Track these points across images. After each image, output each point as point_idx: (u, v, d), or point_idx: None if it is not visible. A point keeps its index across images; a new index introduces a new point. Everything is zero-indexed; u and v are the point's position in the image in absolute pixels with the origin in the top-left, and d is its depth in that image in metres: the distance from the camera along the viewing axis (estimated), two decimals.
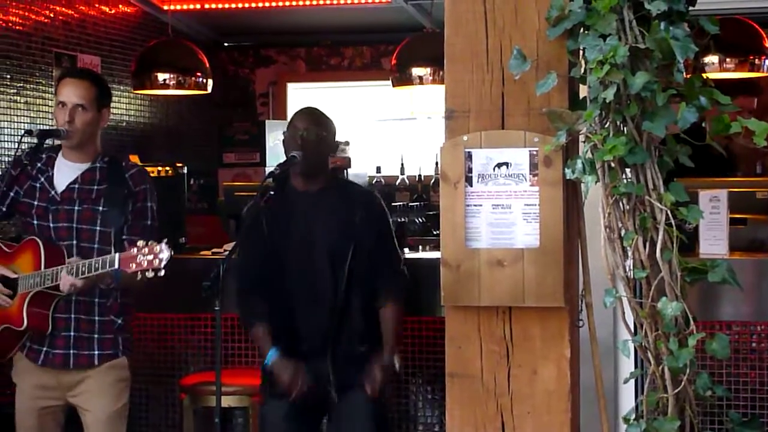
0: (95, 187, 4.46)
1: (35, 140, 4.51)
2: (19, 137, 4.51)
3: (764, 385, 5.12)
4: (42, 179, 4.47)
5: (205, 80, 7.63)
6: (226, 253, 4.40)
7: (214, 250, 6.05)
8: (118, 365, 4.53)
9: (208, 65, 7.70)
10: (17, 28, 6.86)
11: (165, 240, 4.14)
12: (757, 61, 6.63)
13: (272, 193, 4.55)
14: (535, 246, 3.20)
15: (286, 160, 4.56)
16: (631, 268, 3.08)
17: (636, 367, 3.69)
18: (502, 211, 3.23)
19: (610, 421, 3.34)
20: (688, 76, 3.15)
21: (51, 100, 7.04)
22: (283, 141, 4.63)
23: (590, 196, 3.20)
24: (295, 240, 4.56)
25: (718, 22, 3.16)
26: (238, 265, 4.61)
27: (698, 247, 5.43)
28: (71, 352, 4.44)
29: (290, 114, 9.75)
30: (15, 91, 6.75)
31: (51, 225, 4.42)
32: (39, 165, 4.50)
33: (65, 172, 4.48)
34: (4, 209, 4.52)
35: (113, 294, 4.46)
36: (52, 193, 4.44)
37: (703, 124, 3.11)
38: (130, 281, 4.27)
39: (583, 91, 3.19)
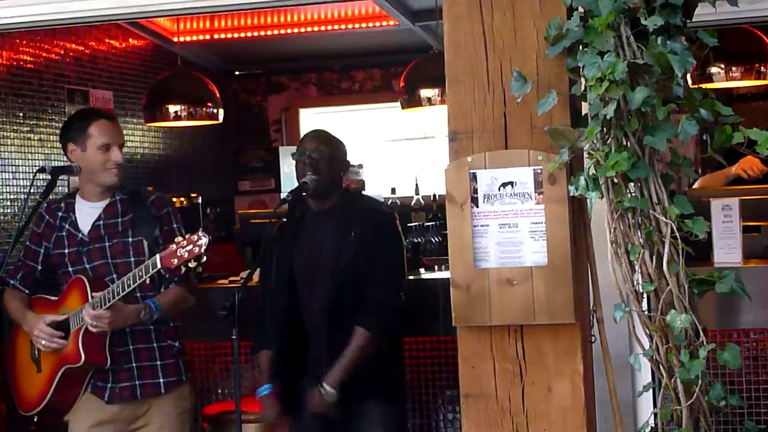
0: (120, 219, 4.51)
1: (49, 177, 4.55)
2: (33, 174, 4.53)
3: None
4: (66, 226, 4.52)
5: (216, 110, 7.68)
6: (243, 281, 4.43)
7: (231, 278, 6.09)
8: (183, 393, 4.61)
9: (218, 95, 7.75)
10: (28, 65, 6.92)
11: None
12: (763, 68, 6.64)
13: (284, 219, 4.60)
14: (543, 263, 3.22)
15: (297, 186, 4.59)
16: (639, 282, 3.09)
17: (651, 380, 3.69)
18: (510, 230, 3.25)
19: None
20: (694, 86, 3.17)
21: None
22: (295, 164, 4.66)
23: (597, 212, 3.22)
24: (304, 260, 4.58)
25: (717, 33, 3.18)
26: (258, 291, 4.70)
27: (713, 256, 5.43)
28: (137, 383, 4.48)
29: None
30: (28, 128, 6.81)
31: (87, 266, 4.46)
32: (60, 214, 4.55)
33: (87, 212, 4.53)
34: (39, 267, 4.59)
35: (163, 321, 4.51)
36: (80, 236, 4.49)
37: None
38: (169, 310, 4.44)
39: (584, 108, 3.21)
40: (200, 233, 4.22)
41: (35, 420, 4.56)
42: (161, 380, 4.52)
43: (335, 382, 4.39)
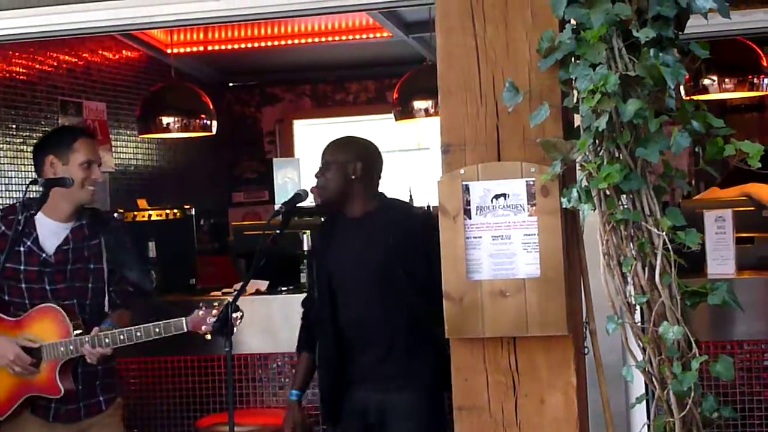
0: (86, 243, 4.47)
1: (41, 189, 4.54)
2: (26, 186, 4.50)
3: None
4: (28, 242, 4.42)
5: (209, 122, 7.69)
6: (236, 292, 4.43)
7: (225, 290, 6.08)
8: (118, 405, 4.61)
9: (212, 107, 7.75)
10: (21, 77, 6.92)
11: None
12: (755, 80, 6.66)
13: (278, 234, 4.57)
14: (536, 275, 3.22)
15: (291, 197, 4.58)
16: (632, 293, 3.09)
17: (645, 391, 3.69)
18: (502, 241, 3.25)
19: None
20: (686, 98, 3.17)
21: None
22: None
23: (590, 224, 3.22)
24: (339, 266, 4.52)
25: (710, 45, 3.18)
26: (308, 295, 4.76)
27: (706, 267, 5.44)
28: (81, 404, 4.45)
29: (297, 151, 9.86)
30: (21, 140, 6.81)
31: (48, 287, 4.40)
32: (19, 228, 4.36)
33: (52, 232, 4.46)
34: None
35: None
36: (44, 256, 4.42)
37: None
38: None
39: (577, 120, 3.21)
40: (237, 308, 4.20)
41: None
42: (101, 398, 4.50)
43: None
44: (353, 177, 4.49)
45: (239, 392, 5.84)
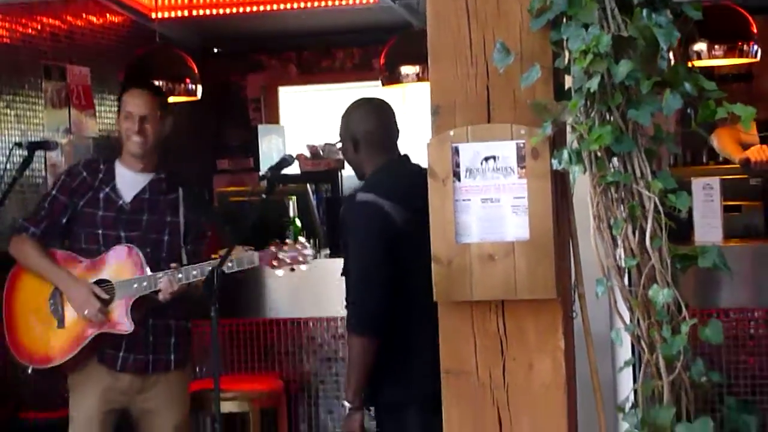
0: (163, 197, 4.55)
1: (26, 152, 4.51)
2: (9, 149, 4.48)
3: (763, 371, 5.13)
4: (106, 189, 4.50)
5: (194, 86, 7.63)
6: (221, 258, 4.41)
7: (212, 255, 6.05)
8: (187, 371, 4.70)
9: (196, 71, 7.69)
10: (5, 41, 6.84)
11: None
12: (745, 47, 6.63)
13: (264, 199, 4.49)
14: (525, 239, 3.19)
15: (277, 162, 4.53)
16: (622, 256, 3.07)
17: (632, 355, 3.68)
18: (492, 204, 3.22)
19: (608, 413, 3.32)
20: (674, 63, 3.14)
21: (41, 112, 7.04)
22: None
23: (580, 188, 3.19)
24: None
25: (702, 8, 3.15)
26: None
27: (693, 235, 5.44)
28: (150, 357, 4.50)
29: (282, 118, 9.81)
30: (4, 104, 6.73)
31: (122, 234, 4.47)
32: (100, 175, 4.53)
33: (129, 181, 4.54)
34: (63, 221, 4.52)
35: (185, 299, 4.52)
36: (120, 202, 4.50)
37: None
38: (195, 289, 4.40)
39: (568, 82, 3.18)
40: (304, 242, 4.42)
41: (29, 372, 4.51)
42: (172, 357, 4.55)
43: (346, 396, 4.06)
44: (345, 150, 4.28)
45: (225, 358, 5.84)
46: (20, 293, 4.54)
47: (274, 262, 4.36)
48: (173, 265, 4.39)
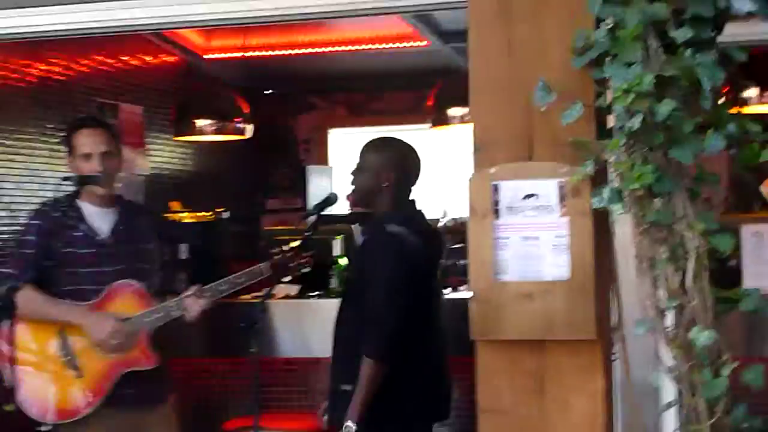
0: (136, 225, 4.55)
1: (73, 187, 4.54)
2: (58, 183, 4.51)
3: None
4: (81, 227, 4.45)
5: (243, 125, 7.69)
6: (262, 297, 4.45)
7: (255, 294, 6.07)
8: (174, 399, 4.64)
9: (246, 110, 7.75)
10: (60, 78, 6.94)
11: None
12: None
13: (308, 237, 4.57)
14: (565, 278, 3.16)
15: (322, 200, 4.54)
16: (663, 297, 3.03)
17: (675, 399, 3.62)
18: (531, 242, 3.20)
19: None
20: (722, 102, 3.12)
21: None
22: None
23: (621, 227, 3.16)
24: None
25: (749, 51, 3.13)
26: None
27: (742, 283, 5.37)
28: (145, 387, 4.45)
29: (331, 159, 9.85)
30: (57, 140, 6.82)
31: (107, 269, 4.43)
32: (71, 213, 4.45)
33: (100, 216, 4.51)
34: (45, 264, 4.39)
35: None
36: (99, 238, 4.46)
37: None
38: None
39: (609, 121, 3.16)
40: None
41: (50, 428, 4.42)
42: (165, 386, 4.57)
43: (350, 414, 4.08)
44: (384, 183, 4.28)
45: (267, 396, 5.82)
46: (20, 347, 4.33)
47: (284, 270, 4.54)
48: (194, 287, 4.45)
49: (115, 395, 4.40)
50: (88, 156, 4.45)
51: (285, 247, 4.59)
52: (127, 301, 4.42)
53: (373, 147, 4.41)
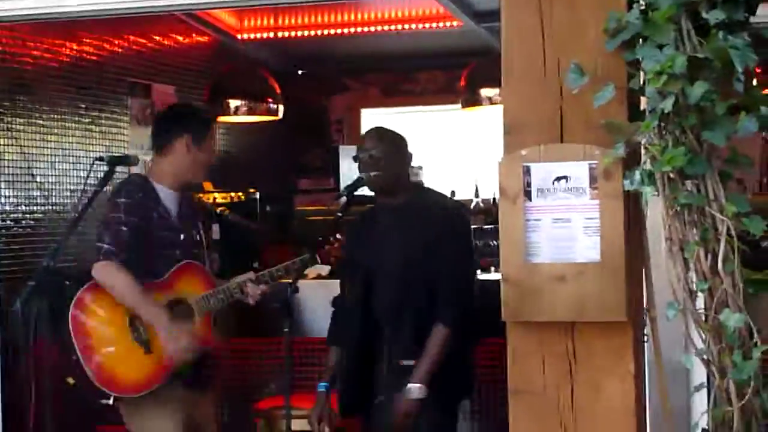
0: (192, 211, 4.72)
1: (107, 167, 4.58)
2: (90, 164, 4.55)
3: None
4: (158, 208, 4.57)
5: (276, 106, 7.71)
6: (295, 276, 4.48)
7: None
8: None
9: (278, 91, 7.75)
10: (92, 57, 6.97)
11: None
12: None
13: (356, 217, 4.68)
14: (596, 260, 3.16)
15: (353, 182, 4.60)
16: (694, 280, 3.02)
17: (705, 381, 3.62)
18: (563, 224, 3.20)
19: None
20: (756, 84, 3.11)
21: (125, 128, 7.15)
22: (357, 163, 4.67)
23: (652, 209, 3.16)
24: (375, 256, 4.57)
25: None
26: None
27: None
28: (203, 367, 4.61)
29: None
30: (90, 120, 6.86)
31: (177, 251, 4.55)
32: (153, 195, 4.57)
33: (171, 199, 4.63)
34: (137, 245, 4.46)
35: None
36: (172, 220, 4.59)
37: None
38: None
39: (642, 102, 3.15)
40: None
41: (109, 402, 4.46)
42: (216, 368, 4.77)
43: (421, 379, 4.38)
44: (403, 167, 4.64)
45: (299, 376, 5.85)
46: (93, 317, 4.44)
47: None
48: (250, 273, 4.68)
49: (177, 374, 4.48)
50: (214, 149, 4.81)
51: (331, 239, 4.75)
52: (191, 283, 4.53)
53: (383, 135, 4.68)
